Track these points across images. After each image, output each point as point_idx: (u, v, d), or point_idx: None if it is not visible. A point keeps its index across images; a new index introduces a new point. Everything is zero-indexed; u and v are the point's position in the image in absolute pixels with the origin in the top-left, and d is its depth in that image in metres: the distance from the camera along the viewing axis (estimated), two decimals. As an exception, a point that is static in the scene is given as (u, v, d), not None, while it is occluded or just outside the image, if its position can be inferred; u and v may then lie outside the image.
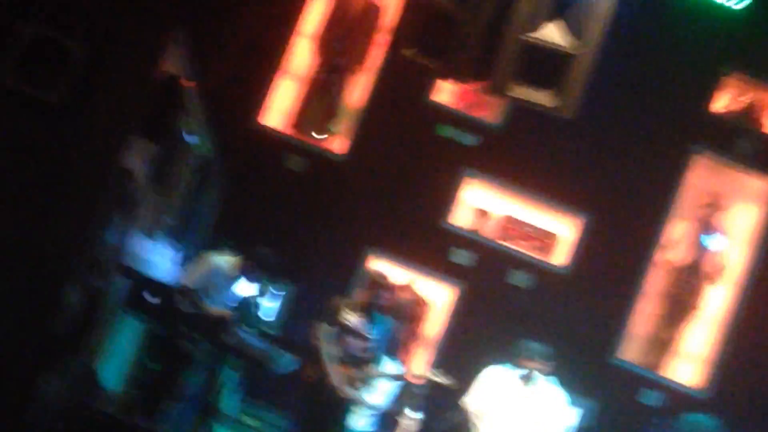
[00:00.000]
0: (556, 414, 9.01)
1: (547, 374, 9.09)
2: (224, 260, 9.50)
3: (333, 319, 9.14)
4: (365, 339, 9.14)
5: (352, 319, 9.14)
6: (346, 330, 9.09)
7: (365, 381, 9.20)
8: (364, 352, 9.18)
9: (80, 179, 7.64)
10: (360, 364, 9.19)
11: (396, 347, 9.69)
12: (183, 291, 9.26)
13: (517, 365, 9.08)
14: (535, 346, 9.17)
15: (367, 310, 9.21)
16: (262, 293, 10.20)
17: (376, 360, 9.28)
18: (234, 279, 9.48)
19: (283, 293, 11.68)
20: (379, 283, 9.32)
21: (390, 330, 9.40)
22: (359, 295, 9.56)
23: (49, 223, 7.43)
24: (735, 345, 12.09)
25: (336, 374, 8.98)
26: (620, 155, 12.29)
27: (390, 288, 9.44)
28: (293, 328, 11.53)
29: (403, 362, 9.80)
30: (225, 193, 11.80)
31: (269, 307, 11.32)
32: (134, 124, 7.87)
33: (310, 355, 9.25)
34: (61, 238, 7.40)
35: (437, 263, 12.22)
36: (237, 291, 9.67)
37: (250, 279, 9.79)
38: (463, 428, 10.06)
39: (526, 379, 9.05)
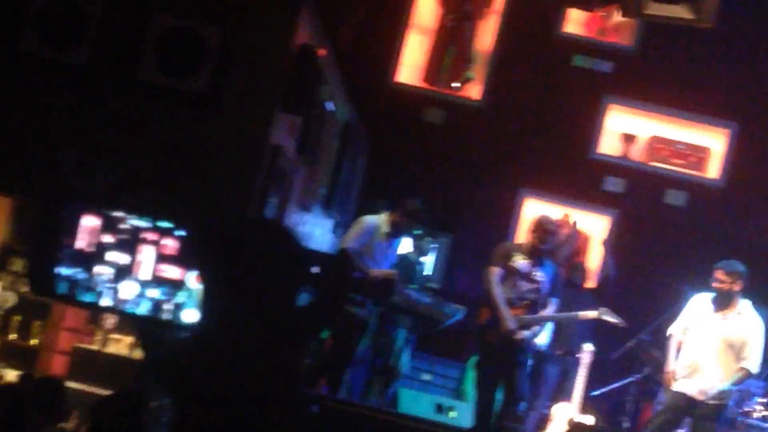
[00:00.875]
0: (756, 335, 8.74)
1: (742, 293, 8.80)
2: (379, 219, 9.53)
3: (502, 263, 9.11)
4: (534, 281, 9.11)
5: (520, 262, 9.12)
6: (516, 273, 9.07)
7: (535, 322, 9.18)
8: (534, 294, 9.16)
9: (234, 162, 7.76)
10: (530, 306, 9.17)
11: (561, 289, 9.60)
12: (344, 257, 9.31)
13: (716, 287, 8.80)
14: (733, 263, 8.88)
15: (535, 254, 9.16)
16: (421, 249, 10.22)
17: (544, 302, 9.25)
18: (392, 237, 9.50)
19: (438, 245, 11.71)
20: (544, 226, 9.24)
21: (556, 272, 9.35)
22: (525, 238, 9.51)
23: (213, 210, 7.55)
24: None
25: (508, 317, 8.98)
26: (763, 56, 11.98)
27: (555, 231, 9.36)
28: (454, 278, 11.58)
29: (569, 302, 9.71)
30: (370, 155, 11.87)
31: (428, 260, 11.38)
32: (277, 100, 7.95)
33: (481, 300, 9.25)
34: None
35: (591, 194, 12.11)
36: (398, 249, 9.70)
37: (406, 234, 9.81)
38: (638, 353, 10.02)
39: (726, 300, 8.80)
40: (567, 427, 7.20)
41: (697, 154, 12.16)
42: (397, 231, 9.51)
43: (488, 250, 9.48)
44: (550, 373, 10.16)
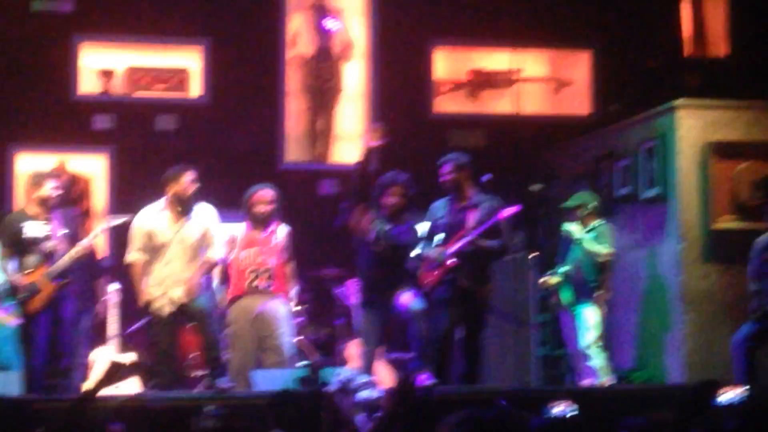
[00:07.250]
0: (212, 228, 9.08)
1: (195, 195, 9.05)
2: None
3: (9, 239, 8.72)
4: (50, 238, 8.75)
5: (32, 227, 8.72)
6: (31, 242, 8.63)
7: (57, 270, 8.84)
8: (54, 248, 8.80)
9: None
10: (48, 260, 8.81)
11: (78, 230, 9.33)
12: None
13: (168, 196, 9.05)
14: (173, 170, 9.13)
15: (44, 210, 8.79)
16: None
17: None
18: None
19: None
20: (49, 175, 8.90)
21: (74, 216, 9.14)
22: (26, 199, 9.05)
23: None
24: (381, 114, 12.50)
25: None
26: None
27: (59, 176, 9.06)
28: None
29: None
30: None
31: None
32: None
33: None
34: None
35: (81, 136, 11.95)
36: None
37: None
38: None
39: (177, 207, 9.03)
40: (107, 368, 7.06)
41: (177, 76, 12.33)
42: None
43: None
44: (83, 320, 9.89)
